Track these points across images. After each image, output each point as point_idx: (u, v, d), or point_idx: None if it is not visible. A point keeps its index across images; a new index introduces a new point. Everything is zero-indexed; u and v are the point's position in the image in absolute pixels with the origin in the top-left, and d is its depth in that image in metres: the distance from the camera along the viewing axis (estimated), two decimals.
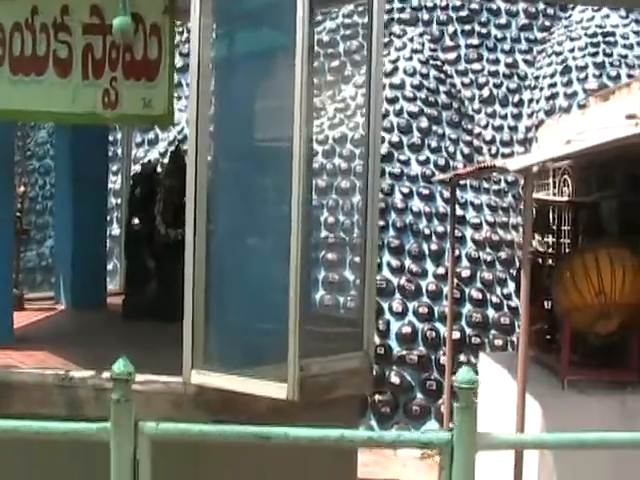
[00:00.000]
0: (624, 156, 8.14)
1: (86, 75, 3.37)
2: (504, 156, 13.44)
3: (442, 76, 13.92)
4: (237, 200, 4.58)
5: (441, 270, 11.56)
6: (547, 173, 11.56)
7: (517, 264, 11.25)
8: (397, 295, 11.56)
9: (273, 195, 4.42)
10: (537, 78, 14.62)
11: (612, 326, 7.54)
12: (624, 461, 7.03)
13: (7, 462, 4.60)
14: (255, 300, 4.48)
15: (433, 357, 11.18)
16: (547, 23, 15.38)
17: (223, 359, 4.42)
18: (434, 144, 12.88)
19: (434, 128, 13.08)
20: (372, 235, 5.31)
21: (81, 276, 7.78)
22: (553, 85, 14.11)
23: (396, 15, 15.35)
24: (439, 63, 14.16)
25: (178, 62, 10.53)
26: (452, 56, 14.93)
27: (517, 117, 14.39)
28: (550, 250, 10.05)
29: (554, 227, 10.01)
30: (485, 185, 12.73)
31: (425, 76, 13.65)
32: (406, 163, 12.59)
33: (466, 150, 13.18)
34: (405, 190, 12.32)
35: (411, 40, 14.40)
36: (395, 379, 11.10)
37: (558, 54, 14.48)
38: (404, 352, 11.22)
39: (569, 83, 13.97)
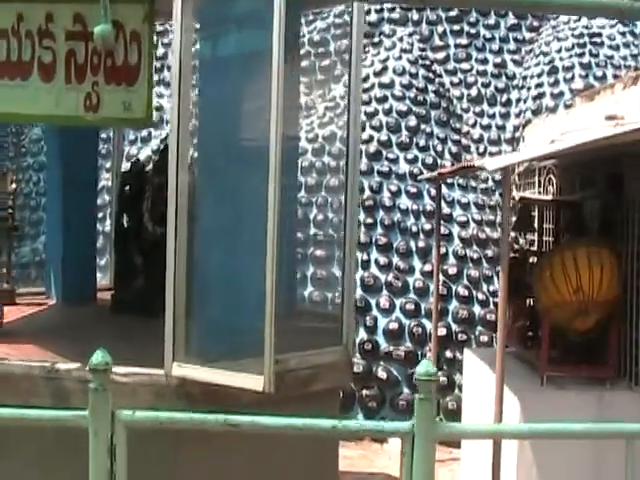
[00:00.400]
0: (604, 156, 8.30)
1: (69, 79, 3.53)
2: (492, 155, 13.60)
3: (431, 75, 14.07)
4: (217, 198, 4.75)
5: (428, 267, 11.71)
6: (533, 172, 11.73)
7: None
8: (384, 292, 11.73)
9: (251, 194, 4.58)
10: (525, 78, 14.77)
11: (590, 323, 7.70)
12: (603, 454, 7.22)
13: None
14: (234, 295, 4.65)
15: (419, 353, 11.34)
16: (535, 24, 15.52)
17: (203, 352, 4.58)
18: (422, 143, 13.03)
19: (422, 127, 13.23)
20: (351, 232, 5.48)
21: (71, 271, 7.93)
22: (540, 85, 14.26)
23: (386, 15, 15.47)
24: (428, 62, 14.30)
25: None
26: (441, 56, 15.06)
27: (505, 116, 14.55)
28: (533, 248, 10.23)
29: (536, 225, 10.17)
30: (472, 184, 12.88)
31: (414, 75, 13.79)
32: (394, 161, 12.75)
33: (454, 149, 13.33)
34: (393, 188, 12.48)
35: (400, 40, 14.54)
36: (382, 374, 11.27)
37: (545, 54, 14.64)
38: (391, 348, 11.39)
39: (556, 83, 14.13)
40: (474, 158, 13.12)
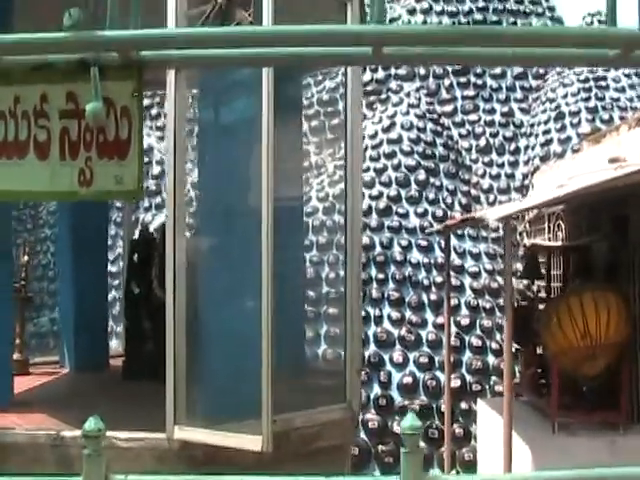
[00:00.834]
0: (610, 199, 8.36)
1: (63, 156, 3.66)
2: (502, 203, 13.68)
3: (439, 128, 14.25)
4: (214, 264, 4.87)
5: (440, 320, 11.72)
6: (543, 218, 11.81)
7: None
8: (398, 346, 11.75)
9: (247, 257, 4.69)
10: (532, 125, 14.92)
11: (599, 367, 7.70)
12: None
13: None
14: (234, 357, 4.73)
15: (434, 405, 11.31)
16: (541, 71, 15.69)
17: (204, 415, 4.66)
18: (432, 196, 13.15)
19: (432, 180, 13.36)
20: (353, 288, 5.57)
21: (83, 339, 8.03)
22: (547, 131, 14.40)
23: (393, 71, 15.73)
24: (435, 116, 14.48)
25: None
26: (449, 108, 15.26)
27: (514, 165, 14.67)
28: (541, 294, 10.25)
29: (544, 271, 10.21)
30: (483, 233, 12.95)
31: (422, 129, 13.97)
32: (404, 216, 12.86)
33: (464, 200, 13.44)
34: (404, 242, 12.57)
35: (408, 95, 14.77)
36: (397, 429, 11.22)
37: (552, 100, 14.79)
38: (406, 402, 11.37)
39: (563, 128, 14.26)
40: (484, 208, 13.21)
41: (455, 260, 12.48)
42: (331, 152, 14.74)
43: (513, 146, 14.89)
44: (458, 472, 11.02)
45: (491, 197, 14.17)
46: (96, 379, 7.54)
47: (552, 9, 16.59)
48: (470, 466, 10.76)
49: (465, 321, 11.94)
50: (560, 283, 9.99)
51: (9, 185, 3.89)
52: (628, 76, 14.79)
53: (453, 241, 12.73)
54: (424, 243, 12.57)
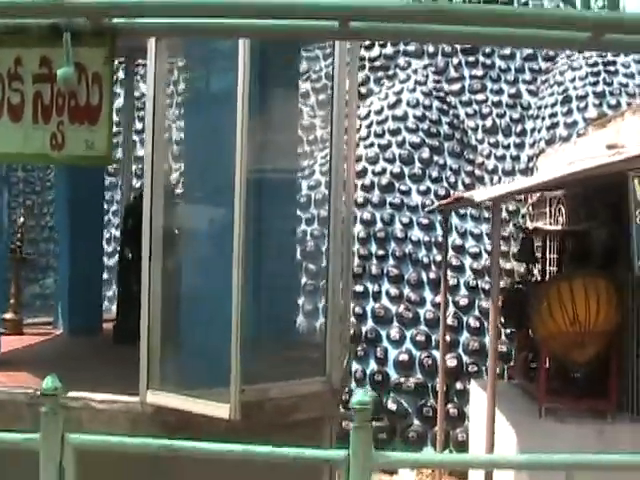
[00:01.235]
0: (608, 185, 8.30)
1: (36, 120, 3.69)
2: None
3: (445, 107, 14.17)
4: (191, 234, 4.90)
5: (439, 299, 11.71)
6: (545, 202, 11.76)
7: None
8: (395, 323, 11.77)
9: (223, 229, 4.70)
10: (540, 108, 14.80)
11: (588, 354, 7.68)
12: None
13: None
14: (208, 325, 4.76)
15: (429, 384, 11.34)
16: (551, 53, 15.52)
17: (177, 380, 4.70)
18: (435, 174, 13.12)
19: (435, 158, 13.32)
20: (334, 261, 5.58)
21: (77, 302, 8.10)
22: (554, 115, 14.28)
23: (402, 47, 15.60)
24: (442, 94, 14.41)
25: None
26: (456, 87, 15.12)
27: (520, 147, 14.57)
28: (536, 278, 10.23)
29: (540, 255, 10.18)
30: (485, 214, 12.89)
31: (428, 107, 13.91)
32: (407, 193, 12.84)
33: (467, 180, 13.39)
34: (405, 220, 12.56)
35: (415, 72, 14.69)
36: (392, 406, 11.29)
37: (560, 84, 14.66)
38: (401, 379, 11.41)
39: (569, 112, 14.14)
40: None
41: (456, 240, 12.46)
42: None
43: (520, 128, 14.77)
44: (451, 452, 11.06)
45: (495, 178, 14.09)
46: (87, 342, 7.61)
47: None
48: (463, 446, 10.78)
49: (464, 301, 11.93)
50: (556, 267, 9.96)
51: None
52: (638, 62, 14.62)
53: (455, 220, 12.71)
54: (425, 221, 12.55)
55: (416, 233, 12.48)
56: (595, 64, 14.38)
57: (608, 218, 8.68)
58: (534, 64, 15.43)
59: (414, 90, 14.13)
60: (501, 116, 14.82)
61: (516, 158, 14.35)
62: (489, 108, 14.89)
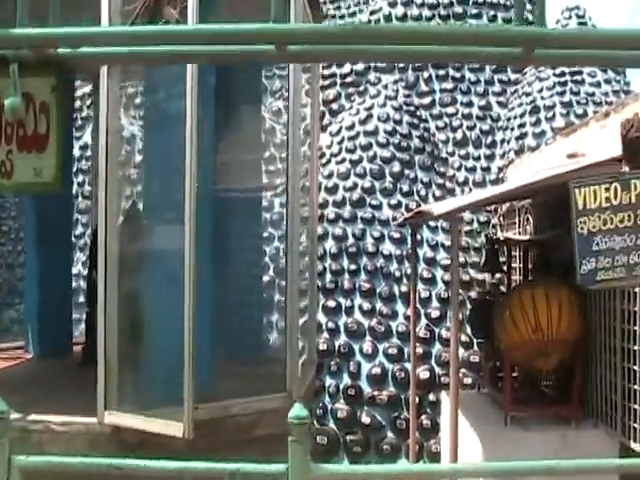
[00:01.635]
0: (567, 195, 8.41)
1: None
2: None
3: (415, 121, 14.30)
4: (146, 258, 4.98)
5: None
6: (514, 212, 11.91)
7: (472, 304, 11.49)
8: (368, 337, 11.86)
9: (176, 250, 4.79)
10: (509, 119, 14.96)
11: (552, 363, 7.78)
12: None
13: None
14: (162, 347, 4.85)
15: (403, 397, 11.41)
16: None
17: (133, 401, 4.78)
18: (406, 188, 13.23)
19: (406, 172, 13.44)
20: (292, 279, 5.68)
21: (47, 326, 8.19)
22: (523, 125, 14.44)
23: (372, 63, 15.74)
24: (413, 108, 14.53)
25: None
26: (427, 101, 15.26)
27: (490, 158, 14.72)
28: (502, 288, 10.35)
29: (507, 265, 10.30)
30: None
31: (398, 122, 14.03)
32: (378, 208, 12.95)
33: (438, 193, 13.51)
34: (376, 234, 12.67)
35: (385, 87, 14.82)
36: (366, 419, 11.36)
37: (528, 94, 14.83)
38: (375, 392, 11.49)
39: (538, 122, 14.30)
40: None
41: (427, 253, 12.59)
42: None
43: (490, 139, 14.92)
44: (425, 463, 11.13)
45: (466, 190, 14.22)
46: (55, 365, 7.69)
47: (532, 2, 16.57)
48: (437, 457, 10.87)
49: (435, 313, 12.03)
50: (522, 277, 10.08)
51: None
52: (604, 71, 14.80)
53: (426, 233, 12.83)
54: (397, 235, 12.66)
55: (387, 247, 12.59)
56: (562, 74, 14.55)
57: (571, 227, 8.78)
58: (503, 76, 15.59)
59: (384, 105, 14.26)
60: (471, 128, 14.97)
61: (486, 169, 14.49)
62: (459, 121, 15.04)
